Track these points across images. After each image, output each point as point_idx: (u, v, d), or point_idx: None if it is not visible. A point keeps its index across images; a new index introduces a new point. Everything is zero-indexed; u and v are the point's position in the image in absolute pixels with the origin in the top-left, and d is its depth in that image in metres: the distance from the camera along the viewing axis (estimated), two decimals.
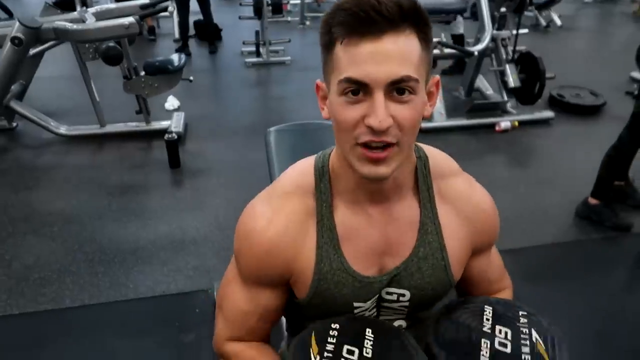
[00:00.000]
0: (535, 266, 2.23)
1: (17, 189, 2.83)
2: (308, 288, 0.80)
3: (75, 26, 2.83)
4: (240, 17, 5.81)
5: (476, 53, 3.45)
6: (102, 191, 2.81)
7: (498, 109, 3.85)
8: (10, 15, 7.17)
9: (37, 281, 2.09)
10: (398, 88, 0.66)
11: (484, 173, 3.06)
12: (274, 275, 0.81)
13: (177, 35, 5.89)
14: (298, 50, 5.79)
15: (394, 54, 0.65)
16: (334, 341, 0.68)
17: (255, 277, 0.82)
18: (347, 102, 0.68)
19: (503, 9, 3.75)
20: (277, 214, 0.79)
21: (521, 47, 4.20)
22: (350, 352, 0.67)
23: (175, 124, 3.48)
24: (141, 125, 3.48)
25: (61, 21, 2.92)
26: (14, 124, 3.57)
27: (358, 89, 0.66)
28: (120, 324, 1.88)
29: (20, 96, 3.41)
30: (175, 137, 3.03)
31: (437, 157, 0.85)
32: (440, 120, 3.58)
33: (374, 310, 0.84)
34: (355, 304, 0.81)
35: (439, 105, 3.63)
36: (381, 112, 0.65)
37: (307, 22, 7.13)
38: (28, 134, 3.52)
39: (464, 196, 0.84)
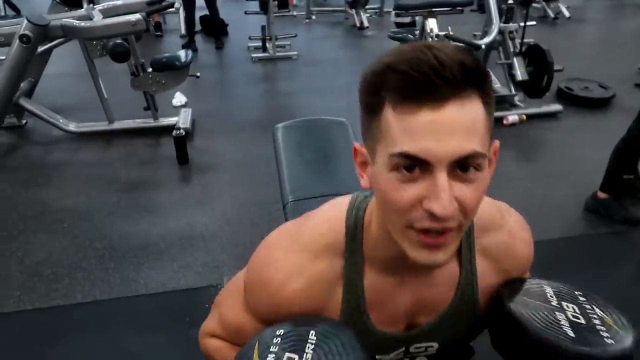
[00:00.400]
0: (543, 260, 2.20)
1: (28, 186, 2.86)
2: None
3: (82, 23, 2.84)
4: (246, 12, 5.80)
5: (483, 46, 3.43)
6: (112, 188, 2.83)
7: (506, 102, 3.82)
8: (18, 12, 7.22)
9: (49, 277, 2.12)
10: (462, 164, 0.55)
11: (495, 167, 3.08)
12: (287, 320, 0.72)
13: (183, 30, 5.90)
14: (304, 45, 5.78)
15: (460, 125, 0.54)
16: (276, 349, 0.66)
17: (263, 319, 0.75)
18: (400, 180, 0.57)
19: (510, 1, 3.72)
20: (300, 274, 0.71)
21: (529, 40, 4.17)
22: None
23: (182, 120, 3.49)
24: (149, 122, 3.49)
25: (68, 18, 2.94)
26: (24, 121, 3.60)
27: (414, 164, 0.55)
28: (131, 320, 1.90)
29: (29, 93, 3.44)
30: (183, 133, 3.04)
31: (481, 208, 0.65)
32: None
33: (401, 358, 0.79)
34: (378, 357, 0.77)
35: None
36: (445, 196, 0.54)
37: (313, 17, 7.11)
38: (37, 131, 3.55)
39: (506, 252, 0.78)
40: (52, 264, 2.19)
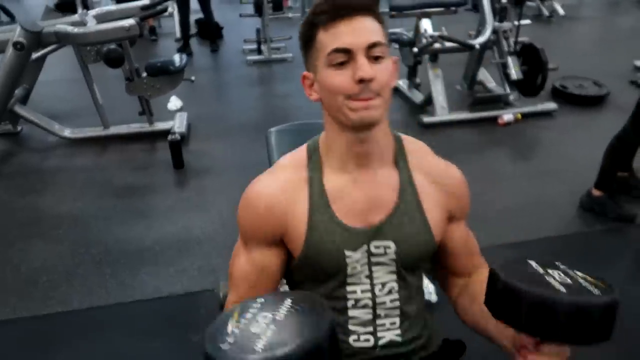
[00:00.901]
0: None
1: (24, 192, 2.86)
2: (302, 240, 0.92)
3: (76, 29, 2.85)
4: (241, 15, 5.81)
5: (477, 46, 3.44)
6: (107, 193, 2.83)
7: (501, 101, 3.83)
8: (12, 18, 7.21)
9: (46, 284, 2.12)
10: (372, 52, 0.84)
11: (487, 166, 3.09)
12: (269, 231, 0.93)
13: (178, 34, 5.90)
14: (299, 46, 5.79)
15: (366, 28, 0.84)
16: (254, 310, 0.75)
17: (253, 236, 0.95)
18: (335, 70, 0.84)
19: (504, 1, 3.73)
20: (273, 180, 0.95)
21: (524, 38, 4.18)
22: (264, 317, 0.73)
23: (178, 124, 3.50)
24: (144, 127, 3.50)
25: (62, 24, 2.94)
26: (19, 128, 3.60)
27: (344, 60, 0.84)
28: (128, 325, 1.90)
29: (24, 100, 3.44)
30: (179, 137, 3.04)
31: (411, 140, 1.01)
32: (443, 114, 3.57)
33: (366, 265, 0.93)
34: (347, 252, 0.92)
35: (440, 98, 3.63)
36: (366, 66, 0.82)
37: None
38: (33, 137, 3.55)
39: (436, 167, 0.99)
40: (48, 271, 2.20)
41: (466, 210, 1.03)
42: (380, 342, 0.95)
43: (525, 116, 3.66)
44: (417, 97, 4.00)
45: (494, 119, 3.63)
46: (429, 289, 1.99)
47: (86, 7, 5.63)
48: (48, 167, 3.17)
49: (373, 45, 0.84)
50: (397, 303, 0.95)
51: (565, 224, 2.46)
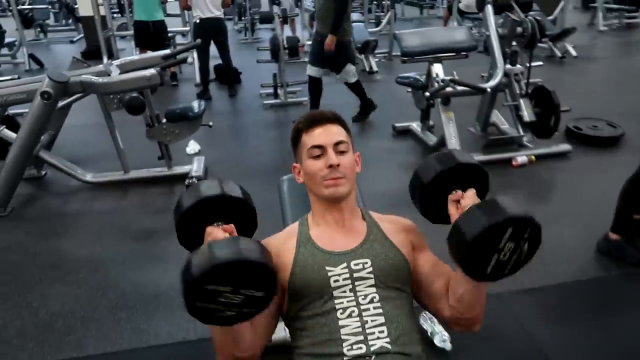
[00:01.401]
0: (555, 305, 2.20)
1: (46, 236, 2.94)
2: (290, 264, 1.17)
3: (100, 79, 2.98)
4: (258, 61, 6.00)
5: (488, 90, 3.49)
6: (126, 237, 2.89)
7: (514, 143, 3.85)
8: (41, 65, 7.57)
9: (62, 329, 2.15)
10: (338, 147, 1.24)
11: None
12: None
13: (198, 80, 6.11)
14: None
15: (334, 131, 1.26)
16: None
17: None
18: (314, 160, 1.25)
19: (514, 45, 3.80)
20: (272, 238, 1.28)
21: (536, 80, 4.23)
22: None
23: (196, 168, 3.58)
24: (163, 171, 3.59)
25: (87, 75, 3.09)
26: (43, 172, 3.72)
27: (319, 154, 1.24)
28: None
29: (49, 146, 3.57)
30: (196, 181, 3.11)
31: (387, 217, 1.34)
32: None
33: (348, 279, 1.15)
34: (327, 268, 1.15)
35: (453, 141, 3.66)
36: (333, 156, 1.23)
37: None
38: (56, 181, 3.67)
39: (392, 218, 1.33)
40: (66, 316, 2.23)
41: (422, 241, 1.29)
42: (372, 349, 1.07)
43: (540, 158, 3.67)
44: (431, 139, 4.04)
45: (508, 161, 3.63)
46: (444, 336, 1.96)
47: (111, 55, 5.90)
48: (70, 211, 3.26)
49: (338, 143, 1.25)
50: (380, 310, 1.12)
51: (581, 269, 2.43)
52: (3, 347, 2.05)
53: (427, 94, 3.52)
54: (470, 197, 1.13)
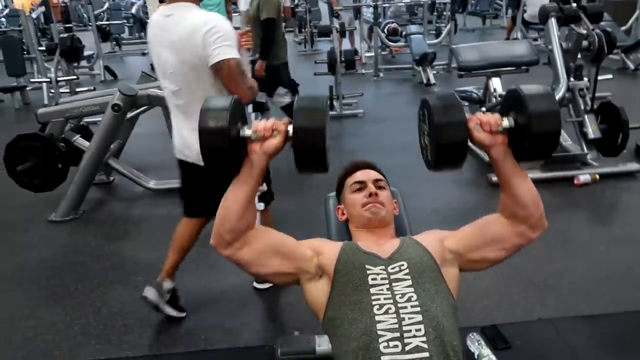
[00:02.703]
0: (617, 335, 2.08)
1: (110, 239, 3.13)
2: (337, 253, 1.28)
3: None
4: (315, 74, 6.10)
5: None
6: None
7: (577, 161, 3.69)
8: (115, 77, 8.08)
9: (122, 328, 2.29)
10: (376, 183, 1.47)
11: (560, 230, 2.95)
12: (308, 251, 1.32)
13: None
14: (371, 102, 5.95)
15: (372, 173, 1.51)
16: None
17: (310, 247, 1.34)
18: (355, 193, 1.47)
19: (579, 57, 3.65)
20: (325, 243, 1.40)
21: (605, 94, 4.03)
22: None
23: None
24: None
25: (154, 88, 3.27)
26: (111, 178, 3.97)
27: (360, 187, 1.47)
28: None
29: (117, 154, 3.81)
30: (266, 189, 3.20)
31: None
32: None
33: (386, 279, 1.20)
34: (367, 266, 1.23)
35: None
36: (373, 187, 1.45)
37: (381, 74, 7.33)
38: (123, 187, 3.90)
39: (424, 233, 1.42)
40: (125, 316, 2.37)
41: (445, 233, 1.37)
42: (407, 347, 1.07)
43: (605, 177, 3.49)
44: (486, 155, 3.94)
45: (570, 179, 3.48)
46: (491, 358, 1.91)
47: None
48: (133, 216, 3.46)
49: (378, 180, 1.48)
50: (418, 309, 1.13)
51: None
52: (68, 342, 2.21)
53: (484, 109, 3.45)
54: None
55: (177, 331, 2.25)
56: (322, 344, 1.99)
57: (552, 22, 3.54)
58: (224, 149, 1.08)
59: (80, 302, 2.50)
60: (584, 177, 3.45)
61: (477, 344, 1.98)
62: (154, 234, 3.16)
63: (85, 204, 3.53)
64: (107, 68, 8.07)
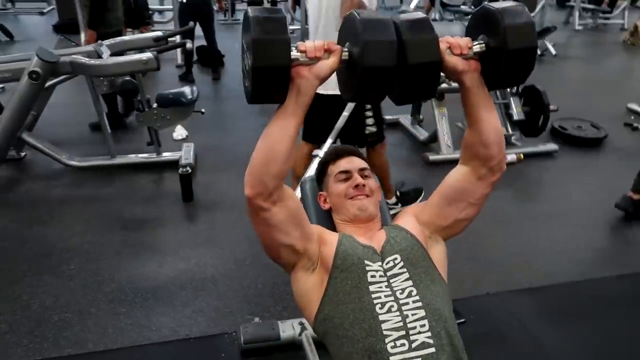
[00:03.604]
0: (555, 305, 2.25)
1: (31, 222, 2.81)
2: (334, 250, 1.22)
3: (93, 61, 2.85)
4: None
5: None
6: (117, 225, 2.80)
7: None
8: (11, 37, 7.18)
9: (58, 323, 2.07)
10: (362, 172, 1.40)
11: (492, 207, 3.09)
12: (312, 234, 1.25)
13: (179, 60, 5.93)
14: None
15: (357, 161, 1.43)
16: None
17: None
18: (340, 183, 1.40)
19: None
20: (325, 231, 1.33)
21: None
22: None
23: (185, 155, 3.49)
24: (152, 157, 3.48)
25: (77, 54, 2.94)
26: (22, 154, 3.55)
27: (345, 177, 1.39)
28: None
29: (31, 127, 3.40)
30: (189, 170, 3.03)
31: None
32: (448, 152, 3.63)
33: (384, 277, 1.17)
34: (366, 262, 1.20)
35: (446, 137, 3.69)
36: (359, 177, 1.38)
37: None
38: (37, 163, 3.50)
39: (400, 215, 1.41)
40: (61, 310, 2.14)
41: (417, 214, 1.34)
42: (414, 345, 1.06)
43: (527, 156, 3.74)
44: (421, 133, 4.06)
45: None
46: None
47: None
48: (55, 196, 3.12)
49: (363, 169, 1.40)
50: (420, 303, 1.12)
51: (571, 268, 2.49)
52: None
53: None
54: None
55: (124, 323, 2.08)
56: (286, 329, 1.95)
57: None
58: (283, 67, 0.96)
59: (4, 296, 2.22)
60: (510, 156, 3.66)
61: None
62: (82, 217, 2.88)
63: None
64: (1, 27, 7.14)
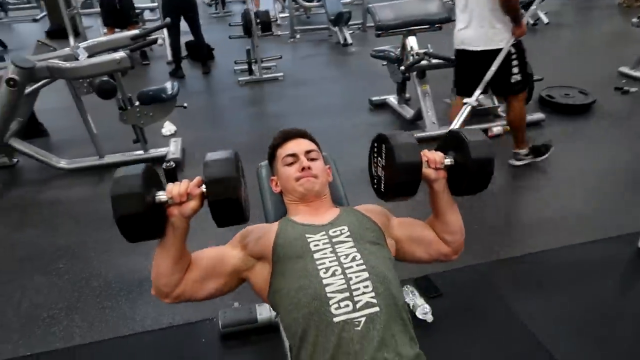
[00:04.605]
0: (532, 274, 2.27)
1: (23, 226, 2.89)
2: (275, 233, 1.27)
3: (68, 64, 2.89)
4: (230, 37, 5.88)
5: None
6: (105, 224, 2.85)
7: (490, 114, 3.90)
8: (4, 47, 7.28)
9: (47, 320, 2.14)
10: (310, 158, 1.42)
11: None
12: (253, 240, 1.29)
13: (170, 57, 5.97)
14: (290, 65, 5.86)
15: (304, 143, 1.47)
16: None
17: (242, 242, 1.31)
18: (288, 166, 1.43)
19: None
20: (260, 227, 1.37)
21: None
22: None
23: (173, 150, 3.54)
24: (139, 154, 3.53)
25: (54, 59, 2.99)
26: (15, 160, 3.63)
27: (292, 161, 1.42)
28: (128, 359, 1.93)
29: (19, 133, 3.47)
30: (173, 165, 3.03)
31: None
32: (433, 129, 3.63)
33: (328, 244, 1.23)
34: (307, 235, 1.25)
35: (430, 114, 3.69)
36: (305, 160, 1.41)
37: (298, 36, 7.21)
38: (29, 169, 3.58)
39: (364, 206, 1.42)
40: (49, 307, 2.22)
41: (390, 216, 1.40)
42: (358, 305, 1.10)
43: None
44: (408, 112, 4.06)
45: (484, 132, 3.67)
46: (425, 308, 2.02)
47: (77, 34, 5.67)
48: (45, 199, 3.20)
49: (309, 151, 1.44)
50: (363, 266, 1.17)
51: (560, 236, 2.49)
52: None
53: (402, 68, 3.52)
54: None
55: (109, 316, 2.15)
56: (263, 312, 2.00)
57: None
58: (139, 214, 1.07)
59: None
60: (496, 128, 3.66)
61: (411, 295, 2.08)
62: (72, 218, 2.95)
63: None
64: None
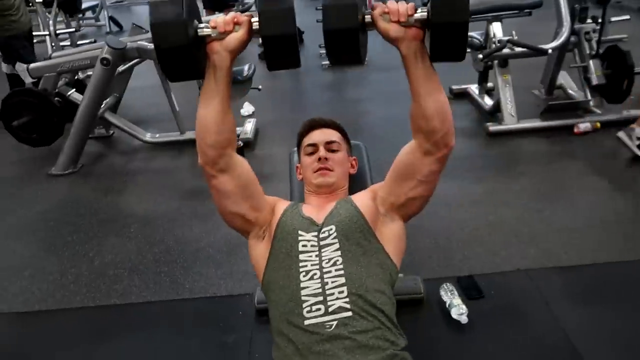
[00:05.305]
0: (585, 286, 2.08)
1: (108, 192, 3.21)
2: (278, 219, 1.30)
3: (152, 46, 3.12)
4: (318, 21, 5.90)
5: (550, 51, 3.23)
6: (176, 195, 3.09)
7: (579, 108, 3.57)
8: (120, 28, 7.99)
9: (112, 277, 2.38)
10: (329, 145, 1.45)
11: (554, 180, 2.90)
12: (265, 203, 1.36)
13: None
14: (377, 50, 5.76)
15: (327, 133, 1.49)
16: None
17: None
18: (308, 156, 1.47)
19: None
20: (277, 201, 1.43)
21: (622, 35, 3.83)
22: None
23: (246, 130, 3.69)
24: None
25: (143, 41, 3.24)
26: (111, 132, 4.02)
27: (312, 151, 1.46)
28: (171, 322, 2.09)
29: (114, 108, 3.83)
30: (241, 144, 3.22)
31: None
32: (511, 122, 3.40)
33: (316, 247, 1.22)
34: (300, 232, 1.26)
35: (509, 107, 3.46)
36: (323, 150, 1.43)
37: None
38: (122, 140, 3.95)
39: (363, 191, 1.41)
40: (116, 266, 2.46)
41: (376, 191, 1.36)
42: (330, 309, 1.10)
43: (607, 125, 3.37)
44: (488, 103, 3.85)
45: (570, 128, 3.39)
46: (461, 309, 1.94)
47: None
48: (130, 169, 3.52)
49: (330, 142, 1.44)
50: (342, 272, 1.16)
51: (620, 251, 2.25)
52: (61, 290, 2.32)
53: (480, 55, 3.33)
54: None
55: (163, 280, 2.34)
56: None
57: None
58: (182, 47, 0.96)
59: (75, 252, 2.60)
60: (584, 125, 3.35)
61: (449, 294, 2.01)
62: (149, 187, 3.23)
63: (85, 158, 3.60)
64: (112, 19, 7.97)
